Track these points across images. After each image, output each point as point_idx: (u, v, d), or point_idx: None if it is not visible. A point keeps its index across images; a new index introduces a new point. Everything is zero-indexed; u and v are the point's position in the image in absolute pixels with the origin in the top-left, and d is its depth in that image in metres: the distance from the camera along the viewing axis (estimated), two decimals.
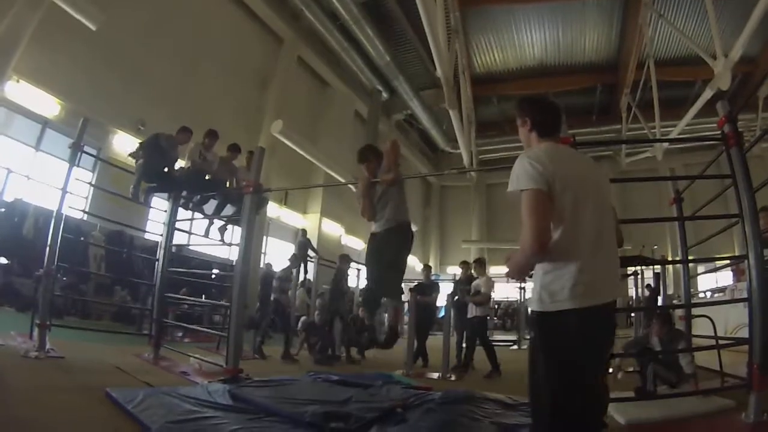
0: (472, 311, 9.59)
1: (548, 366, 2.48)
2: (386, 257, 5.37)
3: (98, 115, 11.92)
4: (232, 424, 3.97)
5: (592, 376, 2.52)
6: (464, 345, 9.74)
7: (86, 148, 7.68)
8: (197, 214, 9.02)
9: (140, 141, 8.44)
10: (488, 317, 10.60)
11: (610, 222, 2.69)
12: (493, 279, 10.26)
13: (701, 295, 13.42)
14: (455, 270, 11.36)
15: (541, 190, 2.49)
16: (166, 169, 8.32)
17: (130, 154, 8.48)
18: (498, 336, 20.22)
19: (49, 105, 12.34)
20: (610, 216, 2.73)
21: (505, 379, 8.40)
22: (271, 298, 11.22)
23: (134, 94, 13.96)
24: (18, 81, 11.56)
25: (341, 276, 11.17)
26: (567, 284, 2.45)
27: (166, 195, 8.76)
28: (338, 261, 11.61)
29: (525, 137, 2.91)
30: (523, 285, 18.51)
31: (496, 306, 25.86)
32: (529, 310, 2.77)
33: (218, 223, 9.16)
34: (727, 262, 10.44)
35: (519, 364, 10.46)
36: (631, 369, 7.05)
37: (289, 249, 18.47)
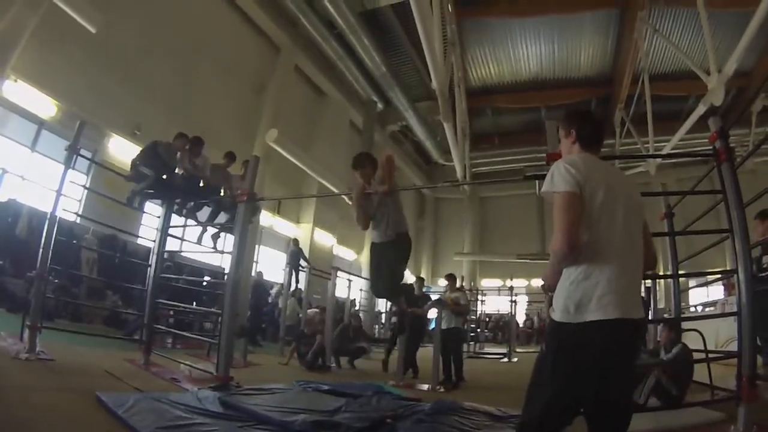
0: (451, 322, 9.59)
1: (558, 377, 2.49)
2: (386, 267, 5.52)
3: (94, 118, 11.91)
4: (222, 431, 3.98)
5: (606, 393, 2.50)
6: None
7: (82, 151, 7.67)
8: (190, 221, 9.04)
9: (133, 159, 8.42)
10: (462, 328, 10.62)
11: (638, 236, 2.71)
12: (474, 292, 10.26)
13: (692, 309, 13.46)
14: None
15: (575, 193, 2.53)
16: (164, 177, 8.36)
17: (128, 178, 8.45)
18: (489, 349, 20.30)
19: (45, 106, 12.31)
20: (639, 231, 2.74)
21: (495, 391, 8.41)
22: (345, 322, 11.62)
23: (131, 99, 13.95)
24: (16, 81, 11.53)
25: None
26: (594, 294, 2.46)
27: (159, 201, 8.78)
28: None
29: (567, 148, 2.96)
30: (514, 298, 18.48)
31: (487, 319, 25.88)
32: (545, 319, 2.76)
33: (211, 230, 9.19)
34: (718, 276, 10.46)
35: (509, 376, 10.57)
36: None
37: (282, 258, 18.49)
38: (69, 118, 11.37)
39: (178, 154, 8.57)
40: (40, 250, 6.88)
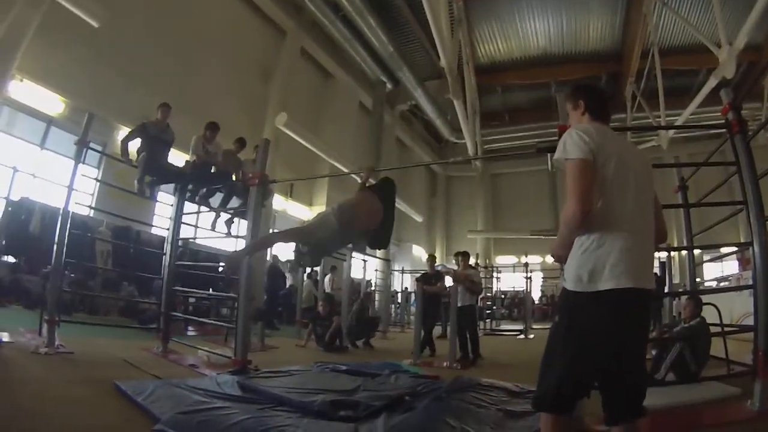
0: (465, 300, 9.60)
1: (571, 348, 2.49)
2: None
3: (102, 112, 11.84)
4: (242, 414, 4.00)
5: (619, 362, 2.52)
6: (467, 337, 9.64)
7: (92, 145, 7.68)
8: (203, 208, 9.07)
9: (122, 138, 8.40)
10: (476, 306, 10.57)
11: (650, 208, 2.71)
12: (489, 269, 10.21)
13: (707, 284, 13.41)
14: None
15: (587, 160, 2.52)
16: (169, 153, 8.39)
17: (131, 160, 8.41)
18: (505, 326, 20.37)
19: (53, 103, 12.35)
20: (651, 202, 2.74)
21: (512, 368, 8.44)
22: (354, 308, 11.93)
23: (138, 90, 13.84)
24: (21, 80, 11.56)
25: None
26: (608, 262, 2.46)
27: (171, 189, 8.81)
28: None
29: (576, 120, 2.96)
30: (529, 275, 18.51)
31: (503, 296, 25.92)
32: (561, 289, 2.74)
33: (225, 216, 9.22)
34: (733, 249, 10.40)
35: (526, 353, 10.59)
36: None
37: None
38: (77, 114, 11.42)
39: (167, 124, 8.56)
40: (55, 246, 6.93)
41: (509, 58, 24.40)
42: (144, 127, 8.24)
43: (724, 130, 5.09)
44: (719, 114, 5.16)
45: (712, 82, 15.99)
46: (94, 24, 11.62)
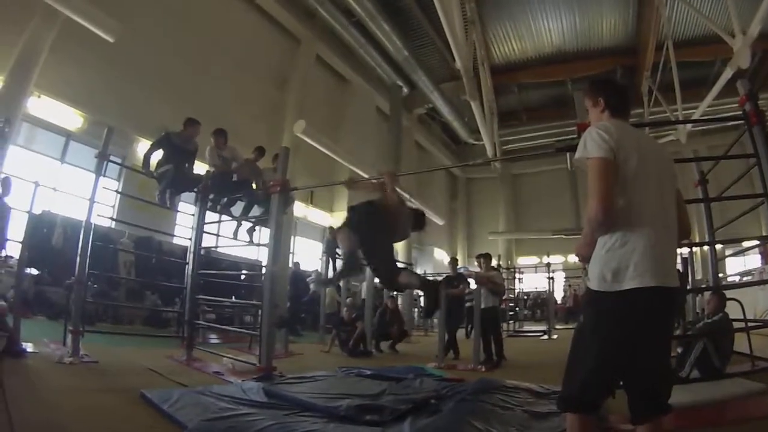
0: (488, 301, 9.58)
1: (596, 348, 2.47)
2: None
3: (121, 124, 11.94)
4: (267, 420, 4.01)
5: (644, 361, 2.48)
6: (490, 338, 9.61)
7: (111, 157, 7.74)
8: (225, 217, 9.11)
9: (145, 152, 8.40)
10: (499, 307, 10.47)
11: (672, 203, 2.68)
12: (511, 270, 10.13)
13: (730, 278, 13.27)
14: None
15: (608, 159, 2.50)
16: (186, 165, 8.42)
17: (152, 173, 8.40)
18: (528, 327, 20.30)
19: (71, 118, 12.59)
20: (673, 198, 2.70)
21: (536, 368, 8.39)
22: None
23: (155, 101, 14.04)
24: (39, 96, 11.77)
25: None
26: (631, 260, 2.43)
27: (193, 199, 8.84)
28: None
29: (596, 117, 2.92)
30: (551, 275, 18.45)
31: (526, 297, 25.80)
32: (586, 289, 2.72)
33: (246, 224, 9.25)
34: (755, 243, 10.29)
35: (550, 353, 10.54)
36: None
37: (317, 248, 18.60)
38: (96, 128, 11.58)
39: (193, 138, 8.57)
40: (78, 257, 7.01)
41: (524, 57, 24.30)
42: (168, 137, 8.25)
43: (742, 121, 5.04)
44: (737, 105, 5.11)
45: (727, 73, 15.83)
46: (109, 39, 11.66)
